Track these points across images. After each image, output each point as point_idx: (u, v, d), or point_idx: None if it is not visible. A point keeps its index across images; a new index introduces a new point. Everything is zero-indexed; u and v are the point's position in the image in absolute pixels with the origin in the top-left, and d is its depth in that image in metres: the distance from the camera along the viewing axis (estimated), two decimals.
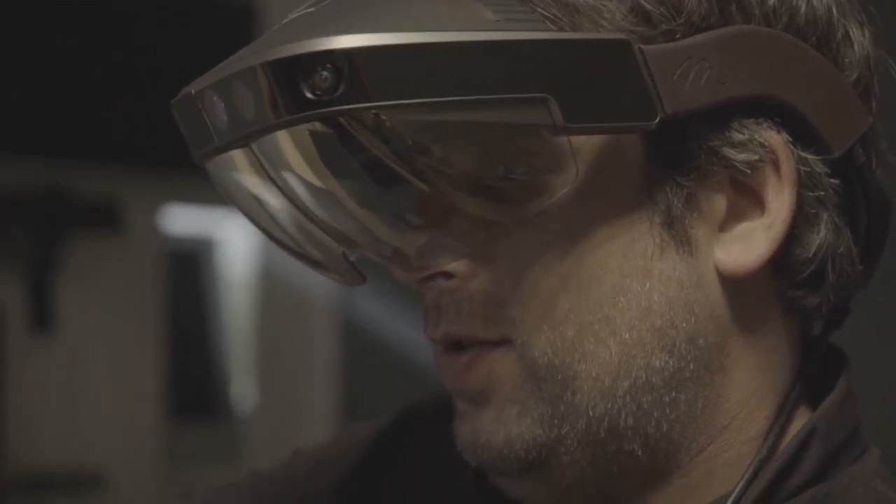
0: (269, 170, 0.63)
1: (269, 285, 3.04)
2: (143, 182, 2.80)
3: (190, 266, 3.20)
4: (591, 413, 0.64)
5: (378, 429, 0.83)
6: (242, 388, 3.25)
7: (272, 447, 2.96)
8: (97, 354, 2.83)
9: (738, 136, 0.64)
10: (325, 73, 0.58)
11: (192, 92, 0.62)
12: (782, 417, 0.67)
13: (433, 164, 0.61)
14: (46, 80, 2.73)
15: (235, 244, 3.21)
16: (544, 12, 0.63)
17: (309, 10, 0.63)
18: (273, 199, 0.64)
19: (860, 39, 0.68)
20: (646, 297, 0.64)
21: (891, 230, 0.71)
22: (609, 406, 0.64)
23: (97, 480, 2.79)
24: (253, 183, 0.65)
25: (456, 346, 0.67)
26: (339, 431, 0.85)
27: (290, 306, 3.00)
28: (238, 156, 0.64)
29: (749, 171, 0.64)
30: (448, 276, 0.66)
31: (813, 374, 0.70)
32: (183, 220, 3.11)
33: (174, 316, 2.98)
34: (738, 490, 0.66)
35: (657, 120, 0.61)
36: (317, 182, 0.62)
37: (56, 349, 2.77)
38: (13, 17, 2.70)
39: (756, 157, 0.64)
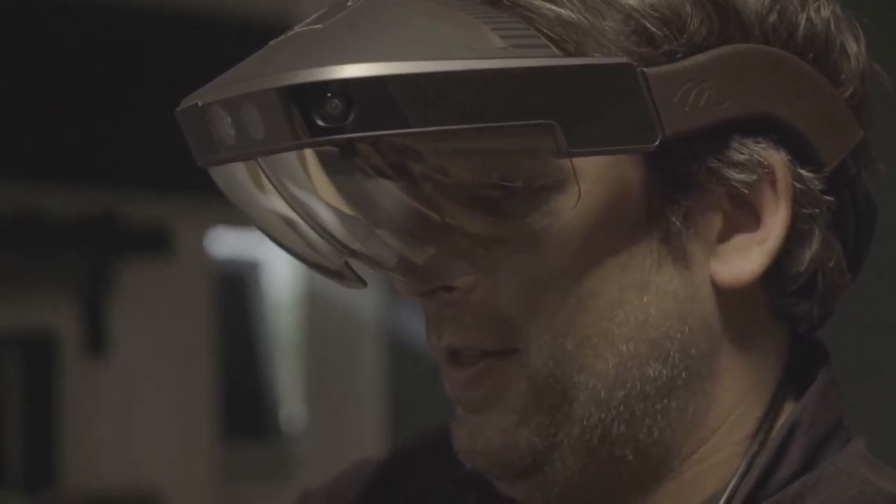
0: (273, 180, 0.63)
1: (315, 305, 3.06)
2: (190, 206, 2.83)
3: (238, 288, 3.23)
4: (585, 423, 0.65)
5: (380, 460, 0.83)
6: (292, 407, 3.28)
7: (322, 464, 3.01)
8: (150, 376, 2.86)
9: (737, 156, 0.64)
10: (335, 102, 0.58)
11: (200, 104, 0.62)
12: (771, 416, 0.68)
13: (439, 185, 0.62)
14: (99, 109, 2.77)
15: (281, 265, 3.25)
16: (549, 32, 0.63)
17: (315, 26, 0.63)
18: (276, 206, 0.65)
19: (856, 53, 0.68)
20: (643, 310, 0.65)
21: (876, 234, 0.71)
22: (603, 415, 0.65)
23: (152, 500, 2.81)
24: (256, 190, 0.65)
25: (455, 357, 0.68)
26: (343, 469, 0.85)
27: (336, 325, 3.03)
28: (242, 165, 0.64)
29: (747, 191, 0.65)
30: (449, 288, 0.66)
31: (799, 372, 0.70)
32: (229, 242, 3.14)
33: (224, 337, 3.00)
34: (731, 487, 0.67)
35: (657, 142, 0.62)
36: (321, 196, 0.63)
37: (109, 371, 2.81)
38: (68, 46, 2.75)
39: (755, 177, 0.65)
